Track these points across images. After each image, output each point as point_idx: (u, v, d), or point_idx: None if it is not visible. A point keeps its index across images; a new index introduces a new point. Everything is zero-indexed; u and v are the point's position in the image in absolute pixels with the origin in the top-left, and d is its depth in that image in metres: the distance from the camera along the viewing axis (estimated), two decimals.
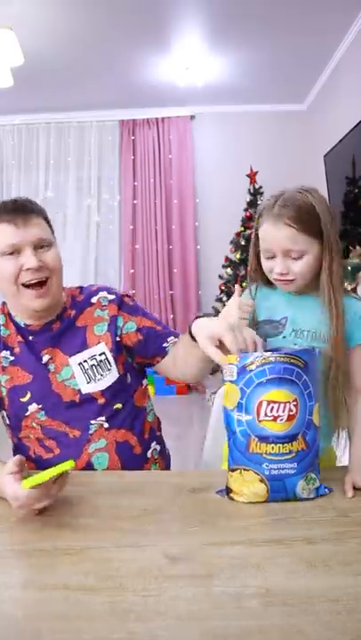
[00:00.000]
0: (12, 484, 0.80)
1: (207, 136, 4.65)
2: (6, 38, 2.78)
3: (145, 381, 1.21)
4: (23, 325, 1.12)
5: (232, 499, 0.87)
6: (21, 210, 1.04)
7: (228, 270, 4.16)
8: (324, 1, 2.89)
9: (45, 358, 1.09)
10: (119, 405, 1.10)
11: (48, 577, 0.66)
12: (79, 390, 1.08)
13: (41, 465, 1.05)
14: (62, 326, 1.11)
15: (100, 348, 1.11)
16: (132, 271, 4.59)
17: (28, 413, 1.07)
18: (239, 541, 0.74)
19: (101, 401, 1.08)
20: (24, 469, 0.85)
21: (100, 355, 1.10)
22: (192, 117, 4.63)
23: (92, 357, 1.10)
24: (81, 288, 1.22)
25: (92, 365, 1.10)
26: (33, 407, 1.07)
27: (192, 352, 1.00)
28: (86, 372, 1.09)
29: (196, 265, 4.61)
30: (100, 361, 1.10)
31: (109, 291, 1.19)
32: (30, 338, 1.11)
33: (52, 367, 1.09)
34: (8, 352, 1.10)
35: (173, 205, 4.60)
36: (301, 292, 1.06)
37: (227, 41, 3.42)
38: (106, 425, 1.08)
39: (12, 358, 1.10)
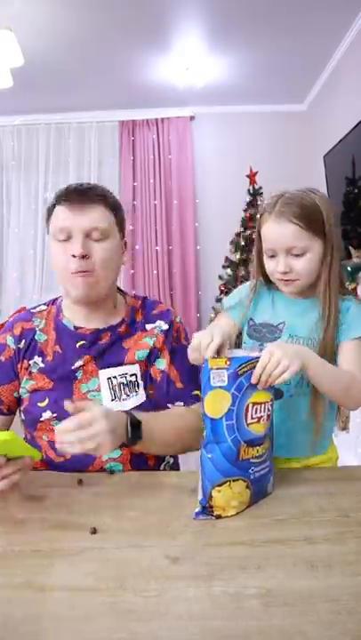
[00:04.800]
0: None
1: (207, 136, 4.65)
2: (6, 39, 2.78)
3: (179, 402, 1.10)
4: (72, 328, 1.08)
5: (220, 516, 0.81)
6: (82, 194, 1.00)
7: (228, 271, 4.16)
8: (324, 1, 2.89)
9: (77, 364, 1.05)
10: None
11: (48, 577, 0.66)
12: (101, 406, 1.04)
13: (51, 467, 1.04)
14: (110, 340, 1.07)
15: (134, 369, 1.06)
16: (132, 272, 4.59)
17: (42, 419, 1.04)
18: (240, 542, 0.74)
19: None
20: None
21: (131, 375, 1.06)
22: (192, 118, 4.63)
23: (123, 375, 1.05)
24: (144, 301, 1.16)
25: (120, 383, 1.05)
26: (47, 414, 1.04)
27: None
28: (113, 388, 1.04)
29: (196, 265, 4.61)
30: (130, 381, 1.05)
31: (167, 319, 1.12)
32: (77, 344, 1.06)
33: (79, 374, 1.05)
34: (40, 359, 1.07)
35: (173, 206, 4.60)
36: (300, 295, 1.06)
37: (226, 41, 3.42)
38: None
39: (41, 365, 1.07)
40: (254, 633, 0.55)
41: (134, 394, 1.05)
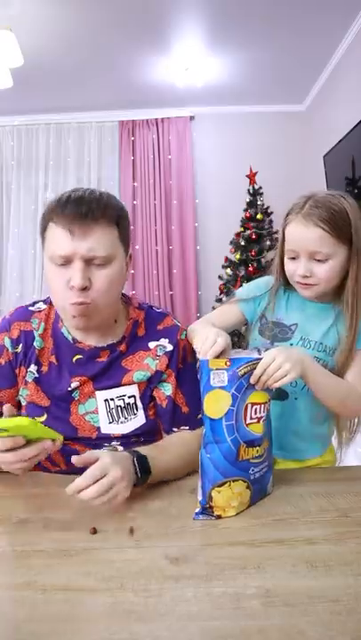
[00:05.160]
0: None
1: (207, 137, 4.65)
2: (6, 39, 2.78)
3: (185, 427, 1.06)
4: (71, 340, 1.03)
5: (220, 517, 0.81)
6: (82, 214, 0.86)
7: (228, 271, 4.16)
8: (324, 1, 2.89)
9: (74, 385, 1.01)
10: (139, 439, 1.02)
11: (49, 578, 0.66)
12: (98, 428, 1.01)
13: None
14: (109, 360, 1.01)
15: (132, 390, 1.02)
16: (132, 272, 4.59)
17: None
18: (240, 542, 0.74)
19: (119, 437, 1.02)
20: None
21: (129, 397, 1.01)
22: (192, 118, 4.63)
23: (120, 398, 1.01)
24: (148, 313, 1.08)
25: (117, 406, 1.01)
26: None
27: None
28: (110, 411, 1.01)
29: (196, 265, 4.61)
30: (128, 404, 1.01)
31: (172, 338, 1.05)
32: (74, 358, 1.02)
33: (76, 395, 1.01)
34: (36, 367, 1.02)
35: (173, 206, 4.60)
36: (317, 299, 1.05)
37: (226, 41, 3.42)
38: (120, 448, 1.00)
39: (36, 375, 1.02)
40: (254, 633, 0.55)
41: (133, 416, 1.02)
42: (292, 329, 1.07)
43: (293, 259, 1.00)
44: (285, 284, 1.08)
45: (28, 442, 0.80)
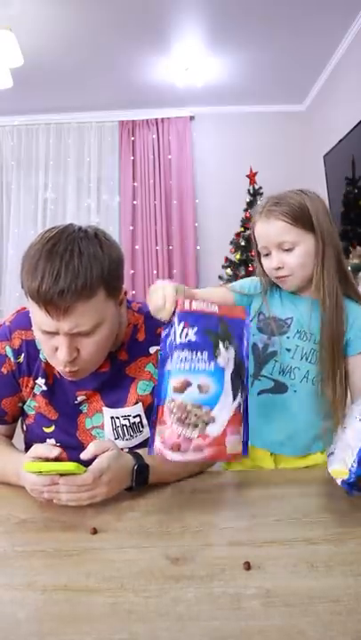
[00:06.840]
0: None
1: (207, 137, 4.65)
2: (6, 39, 2.78)
3: None
4: None
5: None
6: (62, 295, 0.78)
7: (228, 271, 4.16)
8: (324, 1, 2.89)
9: (80, 399, 1.01)
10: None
11: (49, 578, 0.66)
12: None
13: None
14: (112, 371, 1.00)
15: (137, 410, 1.01)
16: (132, 272, 4.59)
17: (45, 443, 1.01)
18: (240, 542, 0.74)
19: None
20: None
21: (134, 417, 1.01)
22: (192, 118, 4.63)
23: (126, 417, 1.01)
24: (148, 316, 1.01)
25: (123, 425, 1.01)
26: (52, 441, 1.01)
27: None
28: (116, 428, 1.01)
29: (196, 265, 4.61)
30: (133, 423, 1.01)
31: None
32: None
33: (84, 408, 1.01)
34: (43, 380, 1.01)
35: (173, 206, 4.60)
36: (302, 292, 1.09)
37: (226, 41, 3.42)
38: (126, 450, 0.98)
39: (44, 388, 1.01)
40: (254, 633, 0.55)
41: (138, 434, 1.02)
42: (287, 322, 1.09)
43: (267, 255, 1.06)
44: (273, 282, 1.12)
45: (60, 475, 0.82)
